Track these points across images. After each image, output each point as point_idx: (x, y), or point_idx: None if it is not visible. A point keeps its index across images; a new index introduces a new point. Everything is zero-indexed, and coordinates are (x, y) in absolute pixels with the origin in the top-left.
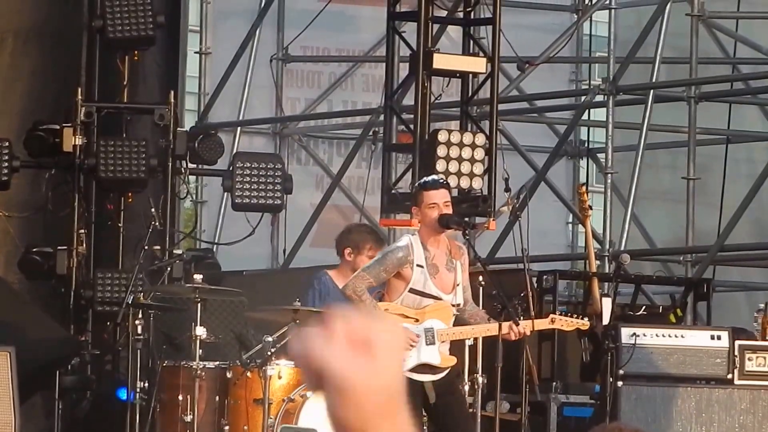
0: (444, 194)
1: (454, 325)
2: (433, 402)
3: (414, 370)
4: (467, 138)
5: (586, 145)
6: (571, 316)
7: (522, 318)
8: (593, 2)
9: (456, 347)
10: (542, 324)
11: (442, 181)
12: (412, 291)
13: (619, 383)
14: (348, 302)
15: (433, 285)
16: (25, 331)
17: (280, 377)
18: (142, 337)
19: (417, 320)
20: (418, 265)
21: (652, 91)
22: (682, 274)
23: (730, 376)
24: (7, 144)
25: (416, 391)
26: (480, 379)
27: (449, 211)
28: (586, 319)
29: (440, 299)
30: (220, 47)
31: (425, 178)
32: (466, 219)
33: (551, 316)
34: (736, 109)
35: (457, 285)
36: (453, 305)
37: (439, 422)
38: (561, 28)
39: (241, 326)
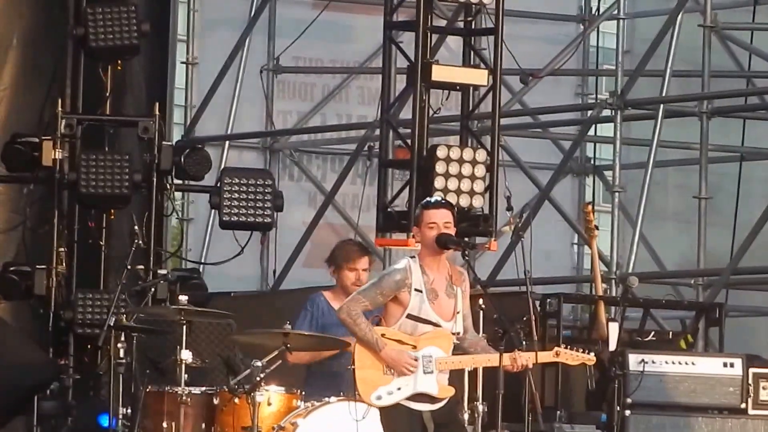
0: (445, 215)
1: (453, 354)
2: None
3: (411, 398)
4: (467, 154)
5: (592, 162)
6: (577, 350)
7: (525, 343)
8: (600, 12)
9: (456, 374)
10: (545, 357)
11: (444, 201)
12: (410, 317)
13: (627, 412)
14: (342, 326)
15: (432, 311)
16: (2, 354)
17: (269, 404)
18: (124, 360)
19: (414, 347)
20: (416, 290)
21: (662, 105)
22: (693, 298)
23: (743, 405)
24: None
25: (414, 420)
26: (480, 408)
27: (450, 232)
28: (593, 354)
29: (439, 326)
30: (208, 57)
31: (428, 198)
32: (466, 239)
33: (556, 349)
34: (751, 125)
35: (458, 312)
36: (453, 333)
37: None
38: (566, 39)
39: (228, 350)
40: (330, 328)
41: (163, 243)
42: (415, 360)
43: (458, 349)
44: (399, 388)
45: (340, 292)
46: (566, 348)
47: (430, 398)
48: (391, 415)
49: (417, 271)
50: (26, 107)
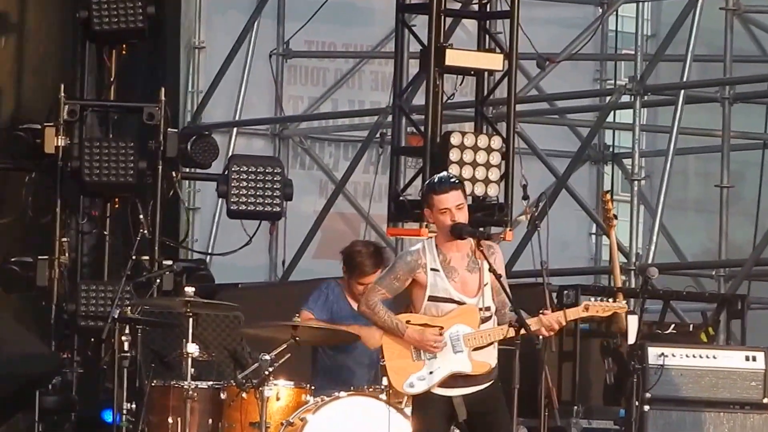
0: (456, 196)
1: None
2: (462, 419)
3: (443, 384)
4: (482, 141)
5: (610, 149)
6: (608, 301)
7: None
8: None
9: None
10: (575, 313)
11: (453, 180)
12: (432, 298)
13: (646, 407)
14: (356, 320)
15: (453, 289)
16: (2, 347)
17: (278, 399)
18: (129, 354)
19: (441, 328)
20: (432, 269)
21: (682, 91)
22: (715, 289)
23: (766, 400)
24: None
25: (444, 408)
26: None
27: (463, 214)
28: (624, 302)
29: (463, 303)
30: (215, 41)
31: (435, 178)
32: (481, 229)
33: (585, 303)
34: None
35: (485, 285)
36: (480, 308)
37: None
38: (584, 22)
39: (236, 343)
40: (342, 319)
41: (178, 232)
42: (440, 335)
43: (498, 322)
44: (431, 372)
45: (348, 289)
46: (596, 301)
47: (464, 380)
48: (419, 403)
49: (432, 250)
50: (28, 93)
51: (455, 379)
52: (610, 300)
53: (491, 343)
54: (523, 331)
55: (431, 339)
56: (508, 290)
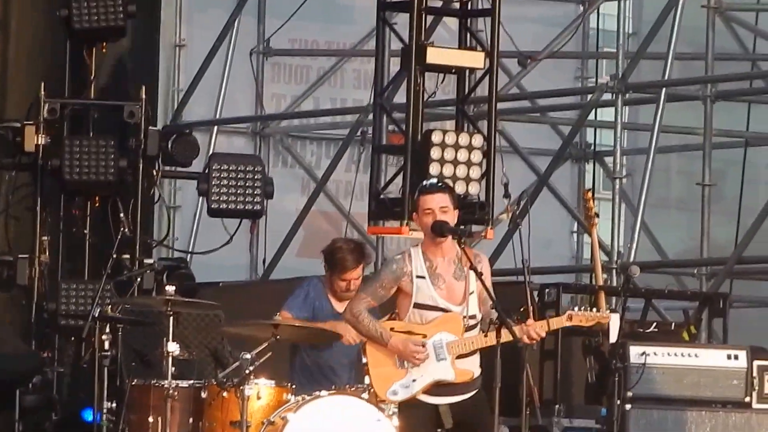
0: (441, 199)
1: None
2: (448, 428)
3: (431, 391)
4: (463, 139)
5: (592, 147)
6: (590, 310)
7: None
8: None
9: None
10: (558, 322)
11: (440, 185)
12: (417, 306)
13: (628, 406)
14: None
15: (439, 296)
16: None
17: (259, 398)
18: (109, 353)
19: (425, 336)
20: (418, 277)
21: (664, 89)
22: (697, 288)
23: (748, 399)
24: None
25: (430, 415)
26: None
27: (448, 218)
28: (607, 311)
29: (448, 311)
30: (196, 39)
31: (425, 182)
32: (462, 227)
33: (568, 312)
34: (756, 109)
35: (470, 293)
36: (465, 316)
37: None
38: (566, 20)
39: (217, 342)
40: (323, 316)
41: (159, 231)
42: (423, 347)
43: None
44: (414, 380)
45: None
46: (579, 310)
47: (449, 389)
48: (404, 410)
49: (418, 257)
50: (8, 91)
51: (440, 386)
52: (594, 310)
53: (475, 351)
54: (505, 338)
55: (414, 351)
56: (494, 297)
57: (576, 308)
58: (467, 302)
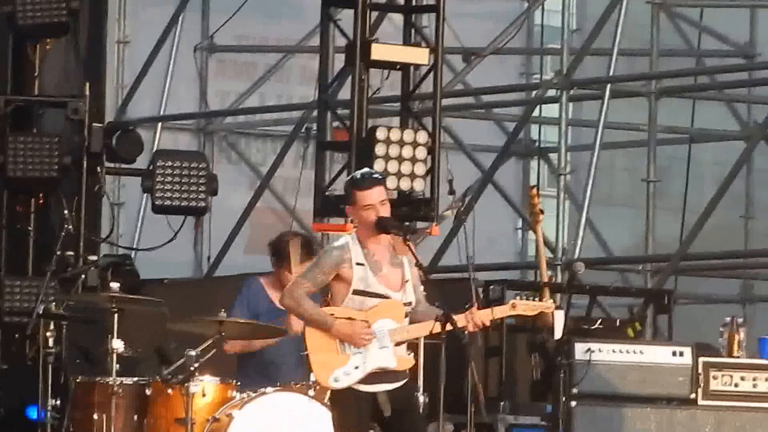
0: (380, 192)
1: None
2: (387, 415)
3: (365, 380)
4: (408, 136)
5: (537, 144)
6: (533, 299)
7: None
8: None
9: None
10: (503, 311)
11: (376, 176)
12: (356, 292)
13: (573, 403)
14: (285, 312)
15: (378, 283)
16: None
17: (204, 395)
18: (53, 350)
19: (366, 322)
20: (358, 264)
21: (609, 85)
22: (642, 284)
23: (693, 395)
24: None
25: (367, 405)
26: (421, 398)
27: (386, 210)
28: (551, 301)
29: (388, 298)
30: (141, 36)
31: (356, 174)
32: (407, 223)
33: (512, 301)
34: (701, 105)
35: (406, 281)
36: (404, 303)
37: None
38: (510, 17)
39: (161, 339)
40: (266, 315)
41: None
42: (369, 328)
43: (413, 321)
44: (356, 367)
45: (276, 279)
46: (523, 299)
47: (387, 376)
48: (339, 400)
49: (356, 245)
50: None
51: (376, 375)
52: (537, 299)
53: (416, 339)
54: (449, 327)
55: (361, 332)
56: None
57: (518, 297)
58: (404, 289)
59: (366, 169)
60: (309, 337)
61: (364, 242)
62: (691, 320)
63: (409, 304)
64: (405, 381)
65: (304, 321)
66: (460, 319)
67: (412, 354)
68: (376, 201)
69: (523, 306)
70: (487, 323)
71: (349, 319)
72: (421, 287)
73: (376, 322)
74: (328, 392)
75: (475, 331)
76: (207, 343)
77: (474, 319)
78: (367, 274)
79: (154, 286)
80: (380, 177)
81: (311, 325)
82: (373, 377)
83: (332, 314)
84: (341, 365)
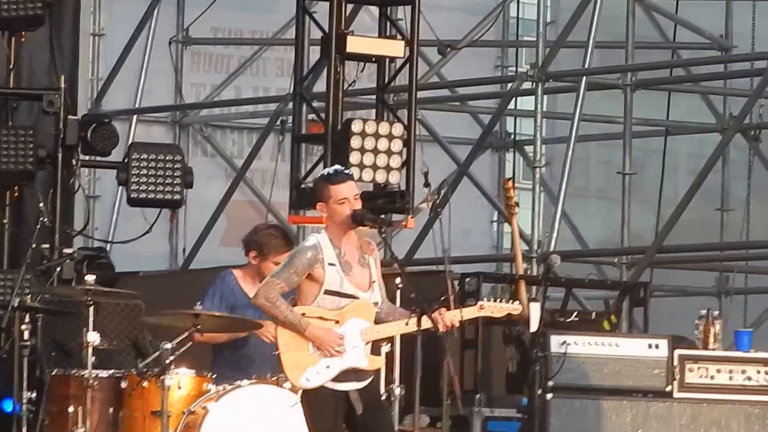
0: (353, 187)
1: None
2: (359, 413)
3: (337, 379)
4: (383, 128)
5: (512, 136)
6: (501, 301)
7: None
8: None
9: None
10: (471, 312)
11: (348, 172)
12: (328, 292)
13: (549, 396)
14: (255, 308)
15: (349, 283)
16: None
17: (179, 387)
18: (29, 343)
19: (337, 322)
20: (330, 264)
21: (584, 78)
22: (617, 277)
23: (669, 388)
24: None
25: (340, 404)
26: (397, 391)
27: (359, 205)
28: (517, 303)
29: (357, 298)
30: (115, 28)
31: (328, 170)
32: (382, 216)
33: (480, 303)
34: (676, 97)
35: (374, 281)
36: (375, 303)
37: None
38: (485, 9)
39: (137, 332)
40: (239, 309)
41: (73, 221)
42: (341, 338)
43: (376, 321)
44: (328, 366)
45: (251, 273)
46: (490, 301)
47: (357, 375)
48: (312, 399)
49: (327, 245)
50: None
51: (347, 373)
52: (507, 299)
53: (388, 339)
54: (418, 327)
55: (334, 342)
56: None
57: (486, 299)
58: (372, 289)
59: (337, 166)
60: (280, 337)
61: (334, 240)
62: (667, 313)
63: (376, 304)
64: (371, 379)
65: (278, 322)
66: (428, 320)
67: (389, 345)
68: (350, 195)
69: (491, 308)
70: (456, 324)
71: (321, 318)
72: (383, 288)
73: (347, 321)
74: (300, 391)
75: (444, 331)
76: (182, 336)
77: (444, 319)
78: (339, 275)
79: (129, 279)
80: (350, 173)
81: (284, 326)
82: (344, 375)
83: (303, 314)
84: (312, 364)
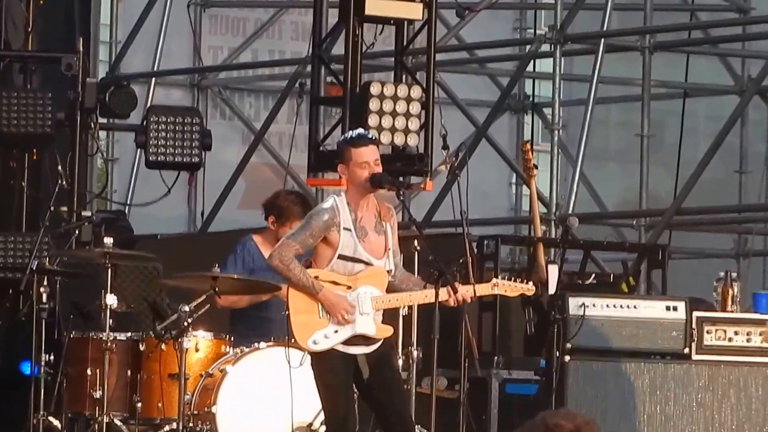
0: (374, 151)
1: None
2: (366, 377)
3: (347, 342)
4: (402, 91)
5: (531, 99)
6: (516, 280)
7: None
8: None
9: (389, 317)
10: (484, 289)
11: (371, 136)
12: (342, 257)
13: (567, 358)
14: (273, 272)
15: (363, 249)
16: None
17: (197, 350)
18: (47, 306)
19: (349, 287)
20: (345, 229)
21: (603, 40)
22: (635, 239)
23: (687, 350)
24: None
25: (348, 365)
26: (415, 353)
27: (379, 169)
28: (531, 284)
29: (371, 264)
30: None
31: (351, 133)
32: (401, 179)
33: (494, 280)
34: (695, 60)
35: (389, 249)
36: (389, 271)
37: (372, 399)
38: None
39: (155, 294)
40: (259, 273)
41: (90, 184)
42: (352, 306)
43: (389, 288)
44: (336, 331)
45: (270, 238)
46: (504, 279)
47: (365, 340)
48: (322, 360)
49: (345, 209)
50: None
51: (356, 338)
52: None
53: (397, 307)
54: (430, 300)
55: (344, 309)
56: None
57: (501, 278)
58: (387, 256)
59: (360, 129)
60: (291, 299)
61: (352, 205)
62: (686, 275)
63: (390, 271)
64: (381, 343)
65: (291, 284)
66: (442, 293)
67: (407, 309)
68: (371, 159)
69: (504, 287)
70: (468, 300)
71: (334, 283)
72: (399, 255)
73: (360, 288)
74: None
75: (456, 306)
76: (200, 299)
77: (456, 295)
78: (353, 240)
79: (147, 242)
80: (375, 138)
81: (297, 288)
82: (353, 340)
83: (316, 277)
84: (321, 327)
